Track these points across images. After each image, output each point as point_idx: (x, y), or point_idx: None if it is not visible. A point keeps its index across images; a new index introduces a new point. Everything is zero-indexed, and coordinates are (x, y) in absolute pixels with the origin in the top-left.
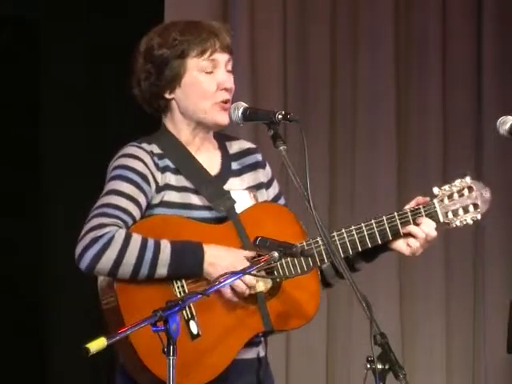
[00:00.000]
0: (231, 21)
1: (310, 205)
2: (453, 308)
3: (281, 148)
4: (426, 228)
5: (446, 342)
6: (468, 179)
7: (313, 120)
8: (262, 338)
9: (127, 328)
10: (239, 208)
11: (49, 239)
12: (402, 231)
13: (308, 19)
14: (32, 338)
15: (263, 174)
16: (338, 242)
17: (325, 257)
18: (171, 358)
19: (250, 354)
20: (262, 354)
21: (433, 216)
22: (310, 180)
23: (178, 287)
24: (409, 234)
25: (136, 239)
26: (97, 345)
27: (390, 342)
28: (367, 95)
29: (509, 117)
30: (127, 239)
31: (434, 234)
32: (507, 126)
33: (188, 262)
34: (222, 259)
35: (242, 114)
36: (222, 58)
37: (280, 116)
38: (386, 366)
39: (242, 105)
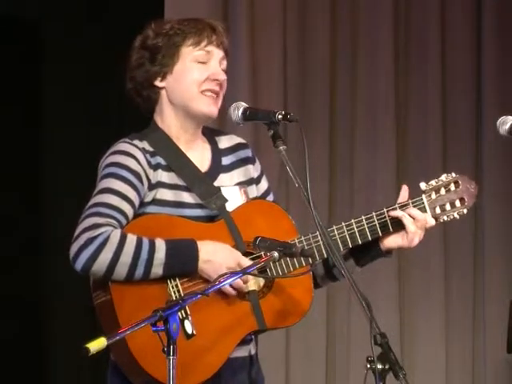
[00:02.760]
0: (231, 21)
1: (310, 204)
2: (452, 308)
3: (281, 148)
4: (412, 212)
5: (445, 341)
6: (454, 174)
7: (313, 120)
8: (253, 336)
9: (127, 328)
10: (230, 205)
11: (49, 240)
12: (391, 228)
13: (308, 20)
14: (32, 338)
15: (253, 170)
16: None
17: (317, 254)
18: (171, 357)
19: (242, 352)
20: (253, 351)
21: (422, 211)
22: (310, 180)
23: (173, 286)
24: (402, 228)
25: (131, 239)
26: (97, 345)
27: (389, 342)
28: (367, 95)
29: (509, 117)
30: (122, 239)
31: (422, 216)
32: (507, 126)
33: (183, 260)
34: (216, 255)
35: (241, 113)
36: (217, 52)
37: (280, 116)
38: (386, 366)
39: (242, 105)
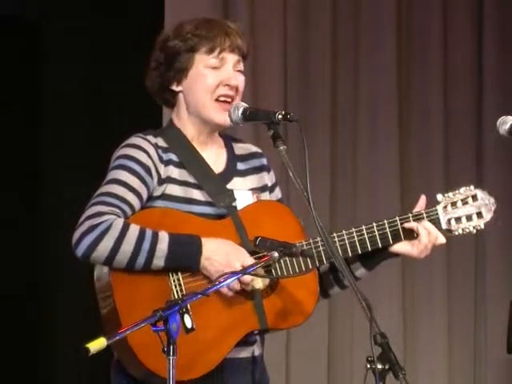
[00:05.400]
0: (231, 20)
1: (309, 205)
2: (454, 309)
3: (281, 148)
4: (427, 225)
5: (447, 342)
6: (473, 187)
7: (314, 120)
8: (258, 337)
9: (127, 328)
10: (240, 206)
11: (49, 239)
12: (402, 235)
13: (309, 19)
14: (31, 338)
15: (268, 178)
16: (338, 244)
17: (324, 257)
18: (171, 357)
19: (245, 353)
20: (257, 353)
21: (435, 222)
22: (311, 180)
23: (174, 280)
24: (412, 237)
25: (134, 229)
26: (97, 345)
27: (391, 343)
28: (368, 95)
29: (509, 117)
30: (125, 228)
31: (435, 232)
32: (507, 126)
33: (185, 254)
34: (219, 253)
35: (241, 114)
36: (231, 57)
37: (280, 116)
38: (386, 366)
39: (242, 105)
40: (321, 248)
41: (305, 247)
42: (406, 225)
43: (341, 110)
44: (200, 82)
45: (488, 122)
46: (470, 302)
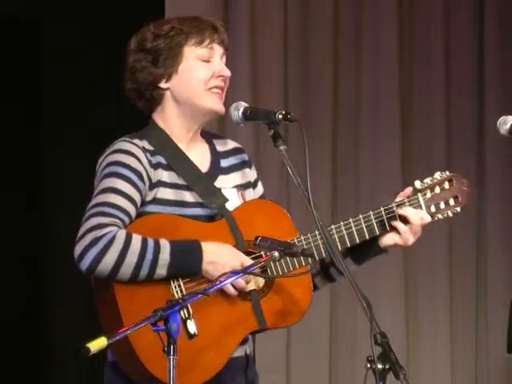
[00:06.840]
0: (231, 21)
1: (310, 204)
2: (456, 307)
3: (281, 148)
4: (411, 210)
5: (449, 341)
6: (448, 172)
7: (315, 119)
8: (250, 336)
9: (128, 328)
10: (228, 206)
11: (49, 239)
12: (388, 227)
13: (309, 18)
14: (31, 338)
15: (250, 174)
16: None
17: (315, 254)
18: (171, 357)
19: (238, 352)
20: (249, 351)
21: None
22: (313, 180)
23: (175, 286)
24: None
25: (136, 239)
26: (97, 344)
27: (393, 342)
28: (370, 94)
29: (509, 117)
30: (128, 240)
31: (420, 213)
32: (507, 126)
33: (187, 261)
34: (220, 257)
35: (242, 113)
36: (219, 49)
37: (280, 116)
38: (387, 366)
39: (243, 104)
40: (312, 244)
41: (297, 244)
42: (400, 211)
43: (342, 109)
44: (192, 75)
45: (491, 122)
46: (472, 301)
